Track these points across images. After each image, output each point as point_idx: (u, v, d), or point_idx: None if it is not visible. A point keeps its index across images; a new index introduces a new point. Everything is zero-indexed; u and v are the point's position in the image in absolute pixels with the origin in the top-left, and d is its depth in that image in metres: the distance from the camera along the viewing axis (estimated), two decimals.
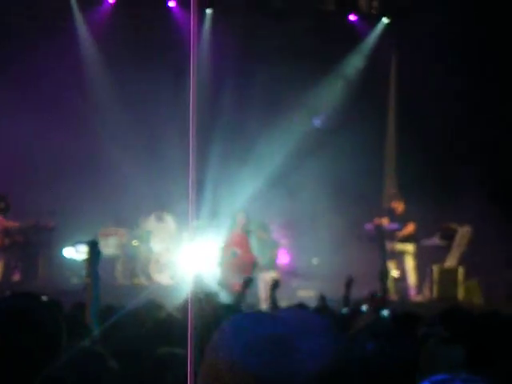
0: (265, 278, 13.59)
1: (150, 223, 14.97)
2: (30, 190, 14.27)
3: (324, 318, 1.29)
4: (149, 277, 14.47)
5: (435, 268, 13.84)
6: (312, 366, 1.21)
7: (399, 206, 14.19)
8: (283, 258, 15.34)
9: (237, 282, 13.11)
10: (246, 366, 1.21)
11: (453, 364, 3.92)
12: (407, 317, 6.35)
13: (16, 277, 13.97)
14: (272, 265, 14.16)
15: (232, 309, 6.34)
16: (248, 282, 8.44)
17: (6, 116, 14.74)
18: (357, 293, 12.83)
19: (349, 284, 8.59)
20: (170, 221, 15.04)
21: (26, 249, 13.88)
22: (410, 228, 13.95)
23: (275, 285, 8.79)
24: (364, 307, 7.14)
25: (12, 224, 13.56)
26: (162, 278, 14.33)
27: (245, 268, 13.22)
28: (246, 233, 13.78)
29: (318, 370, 1.21)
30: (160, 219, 14.99)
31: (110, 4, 15.98)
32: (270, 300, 8.52)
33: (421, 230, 14.06)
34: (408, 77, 16.19)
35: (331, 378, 1.21)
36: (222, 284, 13.22)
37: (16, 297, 3.13)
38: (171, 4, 16.27)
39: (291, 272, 15.01)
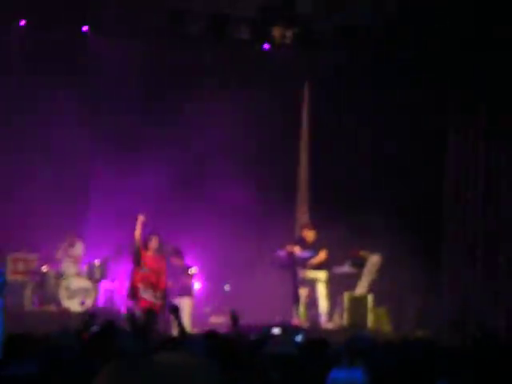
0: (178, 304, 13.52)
1: (62, 248, 14.80)
2: None
3: (205, 359, 1.29)
4: (58, 303, 14.25)
5: (346, 295, 14.01)
6: None
7: (309, 235, 14.33)
8: (196, 285, 15.33)
9: (145, 298, 13.02)
10: None
11: None
12: (317, 343, 6.43)
13: None
14: (186, 291, 14.12)
15: (136, 341, 6.28)
16: (151, 315, 8.32)
17: None
18: (269, 318, 12.96)
19: (234, 320, 8.44)
20: (79, 246, 14.90)
21: None
22: (321, 256, 14.09)
23: (174, 310, 8.68)
24: (275, 330, 7.15)
25: None
26: (72, 305, 14.13)
27: (154, 288, 13.11)
28: (163, 256, 13.70)
29: None
30: (71, 245, 14.84)
31: (21, 26, 15.74)
32: (177, 327, 8.43)
33: (332, 258, 14.22)
34: (320, 106, 16.45)
35: None
36: (132, 297, 13.11)
37: None
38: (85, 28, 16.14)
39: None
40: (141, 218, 13.23)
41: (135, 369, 1.24)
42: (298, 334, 6.72)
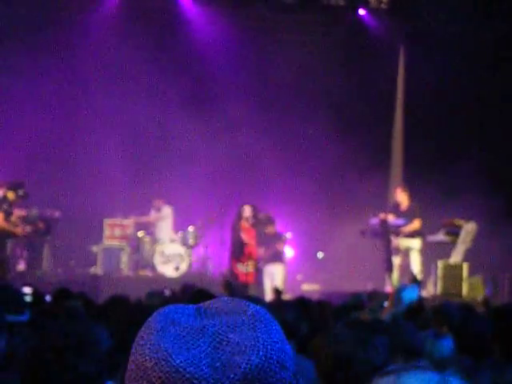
0: (270, 271, 13.62)
1: (151, 214, 15.02)
2: (37, 181, 14.31)
3: (260, 307, 1.25)
4: (154, 268, 14.49)
5: (440, 264, 13.80)
6: (241, 360, 1.17)
7: (403, 198, 14.15)
8: (288, 252, 15.35)
9: (242, 272, 13.16)
10: (174, 361, 1.17)
11: (442, 355, 3.95)
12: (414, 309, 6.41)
13: (21, 266, 13.99)
14: (279, 258, 14.18)
15: None
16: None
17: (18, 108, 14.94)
18: (361, 287, 12.90)
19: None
20: (166, 210, 15.02)
21: (32, 238, 13.87)
22: (415, 224, 13.90)
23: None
24: (364, 297, 7.10)
25: (21, 213, 13.35)
26: (167, 270, 14.35)
27: (249, 259, 13.21)
28: (253, 225, 13.74)
29: (247, 363, 1.17)
30: (158, 209, 14.99)
31: None
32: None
33: (426, 226, 14.03)
34: (415, 72, 16.23)
35: (260, 372, 1.17)
36: (231, 273, 13.26)
37: None
38: None
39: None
40: (247, 210, 13.28)
41: (187, 313, 1.24)
42: (386, 300, 6.65)
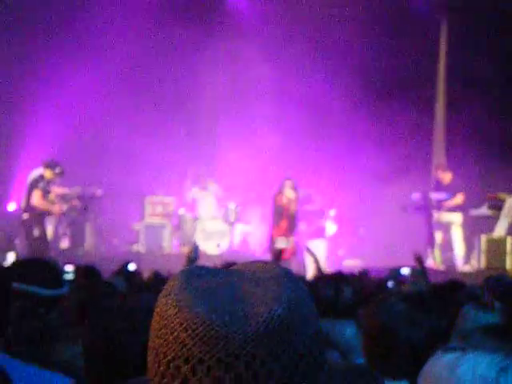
0: (311, 247, 13.56)
1: (195, 192, 15.04)
2: (79, 160, 14.43)
3: (281, 267, 1.28)
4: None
5: (483, 238, 13.64)
6: (264, 310, 1.18)
7: (446, 177, 14.00)
8: (331, 228, 15.30)
9: (279, 247, 12.98)
10: (196, 308, 1.19)
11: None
12: (451, 284, 6.32)
13: (64, 244, 14.14)
14: (320, 234, 14.13)
15: None
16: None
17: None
18: (403, 262, 12.81)
19: (419, 260, 8.20)
20: (213, 189, 15.06)
21: (74, 216, 13.98)
22: (458, 199, 13.76)
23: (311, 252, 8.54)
24: (404, 271, 7.02)
25: (60, 190, 13.37)
26: (208, 247, 14.39)
27: (287, 234, 13.05)
28: (294, 201, 13.65)
29: (269, 312, 1.18)
30: (204, 188, 15.03)
31: None
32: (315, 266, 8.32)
33: (468, 200, 13.89)
34: (458, 44, 16.04)
35: (282, 324, 1.18)
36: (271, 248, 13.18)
37: None
38: None
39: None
40: (288, 185, 13.11)
41: (211, 270, 1.27)
42: (426, 275, 6.59)
